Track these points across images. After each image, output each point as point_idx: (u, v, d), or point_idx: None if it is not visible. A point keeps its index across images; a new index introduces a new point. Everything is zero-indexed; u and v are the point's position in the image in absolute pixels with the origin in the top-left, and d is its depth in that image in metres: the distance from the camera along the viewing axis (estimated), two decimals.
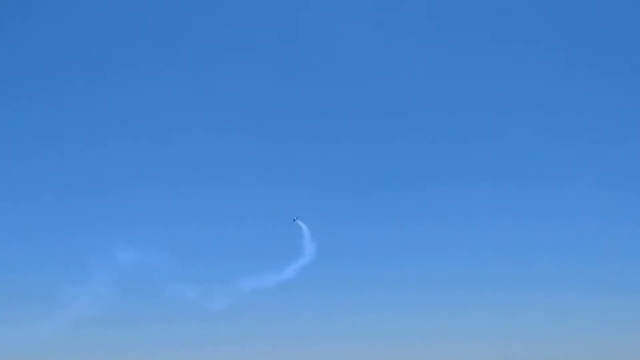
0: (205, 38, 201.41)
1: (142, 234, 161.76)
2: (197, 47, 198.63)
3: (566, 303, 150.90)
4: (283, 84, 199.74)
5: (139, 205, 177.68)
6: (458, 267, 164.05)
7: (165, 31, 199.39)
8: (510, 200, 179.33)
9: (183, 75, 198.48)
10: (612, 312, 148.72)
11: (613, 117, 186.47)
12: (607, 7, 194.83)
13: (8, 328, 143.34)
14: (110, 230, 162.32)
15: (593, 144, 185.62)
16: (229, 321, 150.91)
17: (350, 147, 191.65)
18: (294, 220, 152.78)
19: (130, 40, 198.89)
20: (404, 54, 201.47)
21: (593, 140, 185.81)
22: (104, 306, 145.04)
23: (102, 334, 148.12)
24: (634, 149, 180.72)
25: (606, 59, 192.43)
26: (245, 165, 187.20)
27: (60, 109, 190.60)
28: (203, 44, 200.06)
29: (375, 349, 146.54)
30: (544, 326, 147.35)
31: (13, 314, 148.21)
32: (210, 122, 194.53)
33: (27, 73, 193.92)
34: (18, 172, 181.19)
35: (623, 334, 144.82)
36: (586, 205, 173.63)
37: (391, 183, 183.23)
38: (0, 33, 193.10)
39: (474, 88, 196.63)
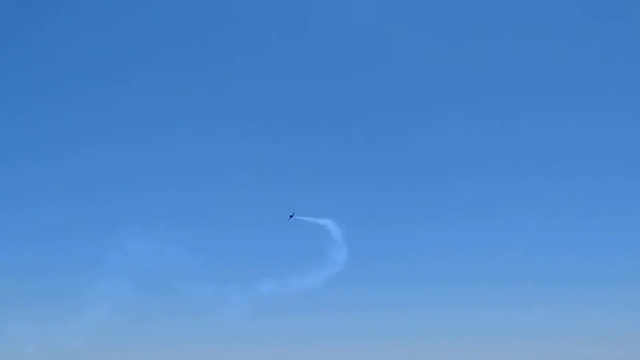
0: (214, 41, 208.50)
1: (162, 235, 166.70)
2: (207, 51, 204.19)
3: (568, 301, 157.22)
4: (300, 85, 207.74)
5: (161, 206, 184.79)
6: (459, 267, 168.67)
7: (173, 36, 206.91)
8: (535, 196, 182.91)
9: (199, 78, 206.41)
10: (615, 309, 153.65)
11: (617, 111, 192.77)
12: None
13: (32, 328, 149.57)
14: (129, 231, 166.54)
15: (596, 142, 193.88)
16: (248, 321, 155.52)
17: (365, 146, 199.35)
18: (290, 216, 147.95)
19: (141, 46, 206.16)
20: (414, 53, 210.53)
21: (596, 139, 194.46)
22: (124, 305, 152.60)
23: (121, 332, 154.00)
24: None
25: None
26: (265, 166, 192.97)
27: (76, 114, 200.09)
28: (213, 47, 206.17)
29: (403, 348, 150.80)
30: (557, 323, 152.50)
31: (35, 314, 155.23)
32: (232, 123, 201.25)
33: (50, 79, 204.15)
34: (36, 177, 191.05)
35: (627, 331, 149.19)
36: (590, 202, 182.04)
37: (408, 182, 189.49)
38: (14, 39, 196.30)
39: (488, 86, 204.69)
